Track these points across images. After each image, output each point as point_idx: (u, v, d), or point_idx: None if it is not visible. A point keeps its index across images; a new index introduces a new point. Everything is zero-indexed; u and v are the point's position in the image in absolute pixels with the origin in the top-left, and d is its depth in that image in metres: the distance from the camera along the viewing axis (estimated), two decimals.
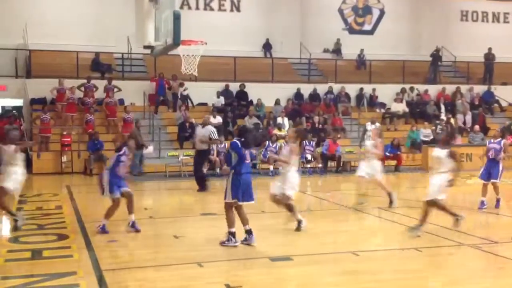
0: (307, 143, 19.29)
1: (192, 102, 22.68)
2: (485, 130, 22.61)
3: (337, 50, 27.83)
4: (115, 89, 21.60)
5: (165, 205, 12.86)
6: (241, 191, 8.13)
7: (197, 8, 26.33)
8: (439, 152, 8.91)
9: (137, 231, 9.21)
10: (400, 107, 23.88)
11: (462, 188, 14.26)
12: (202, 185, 14.44)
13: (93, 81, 21.47)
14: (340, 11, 28.69)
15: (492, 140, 11.88)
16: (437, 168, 8.87)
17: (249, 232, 8.29)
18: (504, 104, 26.18)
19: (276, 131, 20.46)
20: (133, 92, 22.04)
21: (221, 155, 17.76)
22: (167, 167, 18.45)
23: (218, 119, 20.81)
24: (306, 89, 24.38)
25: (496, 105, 25.99)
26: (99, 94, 21.58)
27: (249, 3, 26.95)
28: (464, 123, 23.84)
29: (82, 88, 21.23)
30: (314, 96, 24.19)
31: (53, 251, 8.06)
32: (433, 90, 25.72)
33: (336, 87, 24.60)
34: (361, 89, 24.84)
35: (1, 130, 19.83)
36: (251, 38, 26.14)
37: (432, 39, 27.73)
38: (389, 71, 26.41)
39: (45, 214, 11.25)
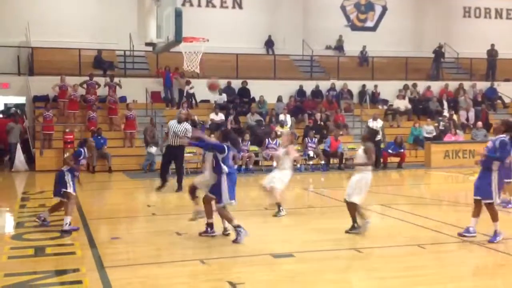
0: (310, 140, 19.32)
1: (196, 101, 22.64)
2: (488, 126, 22.47)
3: (339, 47, 27.84)
4: (116, 81, 21.19)
5: (168, 202, 12.84)
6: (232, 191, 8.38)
7: (199, 5, 26.35)
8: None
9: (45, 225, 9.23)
10: (403, 104, 23.86)
11: (465, 184, 14.27)
12: (164, 182, 14.00)
13: (95, 79, 21.45)
14: (343, 8, 28.66)
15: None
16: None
17: (211, 226, 8.62)
18: (507, 100, 26.14)
19: (278, 128, 20.44)
20: (135, 90, 22.02)
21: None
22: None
23: (221, 116, 20.79)
24: (308, 86, 24.34)
25: (499, 101, 25.95)
26: (101, 91, 21.60)
27: (251, 0, 26.92)
28: (467, 119, 23.79)
29: (85, 86, 21.20)
30: (316, 93, 24.16)
31: (56, 248, 8.07)
32: (435, 86, 25.67)
33: (339, 84, 24.54)
34: (364, 85, 24.81)
35: (3, 127, 19.98)
36: (253, 35, 26.14)
37: (435, 35, 27.73)
38: (392, 67, 26.37)
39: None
